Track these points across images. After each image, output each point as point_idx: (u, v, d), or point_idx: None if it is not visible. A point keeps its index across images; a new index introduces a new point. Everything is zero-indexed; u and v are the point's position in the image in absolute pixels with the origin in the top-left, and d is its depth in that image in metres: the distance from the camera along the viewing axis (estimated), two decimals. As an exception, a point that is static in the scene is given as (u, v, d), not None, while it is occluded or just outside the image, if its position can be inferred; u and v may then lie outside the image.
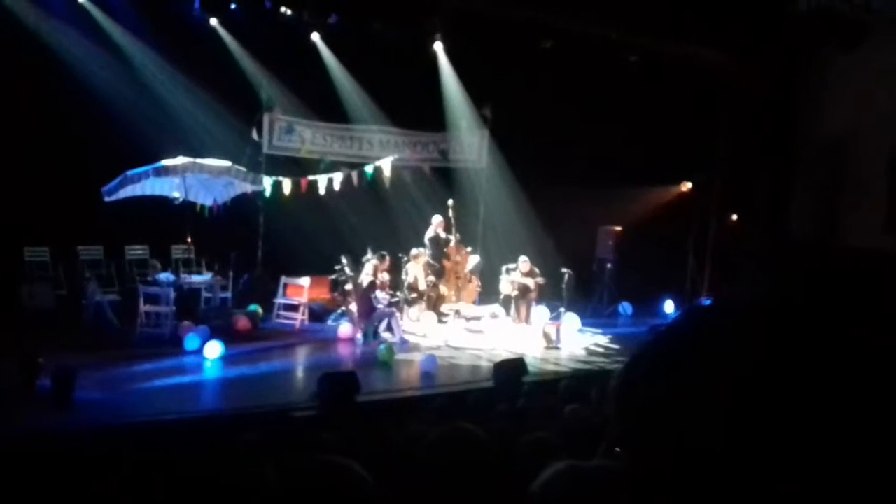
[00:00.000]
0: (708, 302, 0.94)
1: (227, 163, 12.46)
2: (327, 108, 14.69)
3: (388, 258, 12.85)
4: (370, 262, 12.37)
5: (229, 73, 13.42)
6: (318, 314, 13.19)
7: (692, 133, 15.55)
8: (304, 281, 12.86)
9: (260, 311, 12.72)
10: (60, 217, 11.73)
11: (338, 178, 13.68)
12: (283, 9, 13.43)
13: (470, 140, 16.25)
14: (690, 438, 0.79)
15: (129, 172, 11.61)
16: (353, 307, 12.36)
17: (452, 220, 14.21)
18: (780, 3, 13.64)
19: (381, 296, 12.29)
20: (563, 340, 12.37)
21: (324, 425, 7.03)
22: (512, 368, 9.55)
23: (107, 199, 11.77)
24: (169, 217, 12.53)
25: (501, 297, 13.95)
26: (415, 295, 13.64)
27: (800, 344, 0.80)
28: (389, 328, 12.18)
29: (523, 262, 13.60)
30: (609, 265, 15.49)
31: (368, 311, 12.01)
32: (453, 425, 2.74)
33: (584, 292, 15.24)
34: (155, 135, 12.10)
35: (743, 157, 15.95)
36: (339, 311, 13.06)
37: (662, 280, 15.75)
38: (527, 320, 13.51)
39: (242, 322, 12.12)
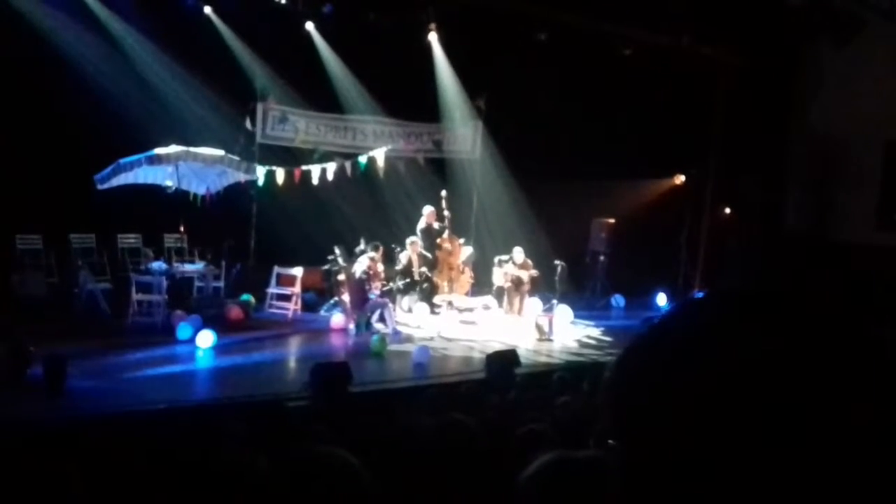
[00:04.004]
0: (701, 295, 0.95)
1: (221, 152, 12.42)
2: (321, 97, 14.64)
3: (382, 249, 12.85)
4: (366, 255, 12.36)
5: (223, 62, 13.35)
6: (311, 304, 13.19)
7: (685, 126, 15.56)
8: (297, 271, 12.85)
9: (252, 300, 12.70)
10: (53, 205, 11.68)
11: (331, 168, 13.66)
12: (277, -2, 13.39)
13: (464, 131, 16.23)
14: (682, 431, 0.79)
15: (122, 161, 11.56)
16: (346, 297, 12.35)
17: (445, 211, 14.21)
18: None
19: (374, 286, 12.28)
20: (555, 332, 12.39)
21: (316, 416, 7.03)
22: (504, 360, 9.57)
23: (99, 187, 11.72)
24: (162, 206, 12.48)
25: (494, 288, 13.96)
26: (407, 280, 13.63)
27: (793, 337, 0.80)
28: (382, 319, 12.18)
29: (518, 254, 13.60)
30: (602, 257, 15.52)
31: (361, 302, 12.00)
32: (446, 416, 2.75)
33: (576, 284, 15.26)
34: (148, 123, 12.05)
35: (736, 150, 15.97)
36: (332, 301, 13.06)
37: (655, 273, 15.77)
38: (520, 312, 13.52)
39: (235, 311, 12.10)
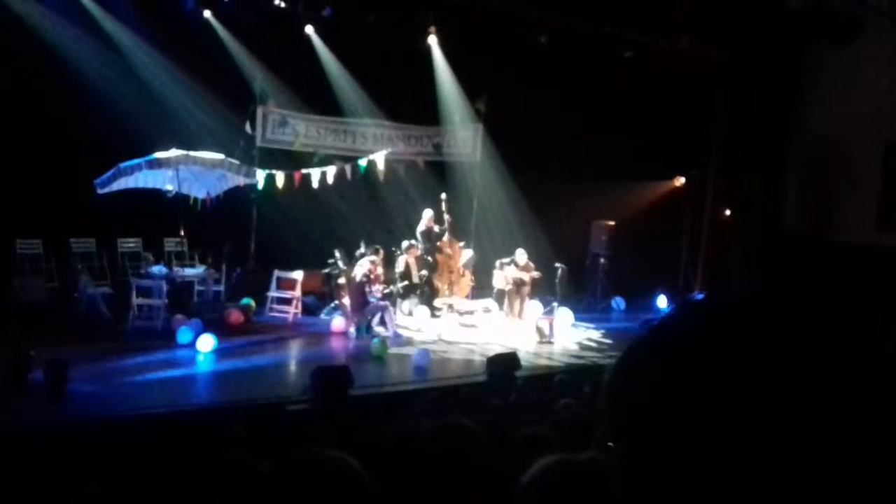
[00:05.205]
0: (701, 297, 0.95)
1: (221, 155, 12.41)
2: (321, 101, 14.65)
3: (381, 252, 12.85)
4: (367, 258, 12.36)
5: (223, 66, 13.37)
6: (311, 308, 13.19)
7: (685, 128, 15.56)
8: (298, 274, 12.85)
9: (253, 304, 12.70)
10: (53, 209, 11.69)
11: (331, 171, 13.66)
12: (276, 1, 13.39)
13: (464, 134, 16.23)
14: (682, 433, 0.79)
15: (122, 165, 11.56)
16: (347, 301, 12.35)
17: (445, 214, 14.21)
18: (774, -1, 13.67)
19: (375, 289, 12.28)
20: (556, 335, 12.38)
21: (317, 419, 7.04)
22: (505, 363, 9.56)
23: (100, 191, 11.72)
24: (162, 210, 12.48)
25: (495, 291, 13.96)
26: (406, 282, 13.63)
27: (792, 339, 0.80)
28: (383, 322, 12.18)
29: (521, 255, 13.60)
30: (602, 260, 15.51)
31: (362, 305, 12.00)
32: (446, 419, 2.74)
33: (577, 287, 15.25)
34: (148, 127, 12.05)
35: (736, 152, 15.97)
36: (333, 304, 13.05)
37: (655, 275, 15.76)
38: (520, 315, 13.52)
39: (235, 315, 12.10)
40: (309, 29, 14.48)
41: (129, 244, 13.20)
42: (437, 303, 13.82)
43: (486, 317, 13.33)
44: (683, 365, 0.82)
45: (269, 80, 14.12)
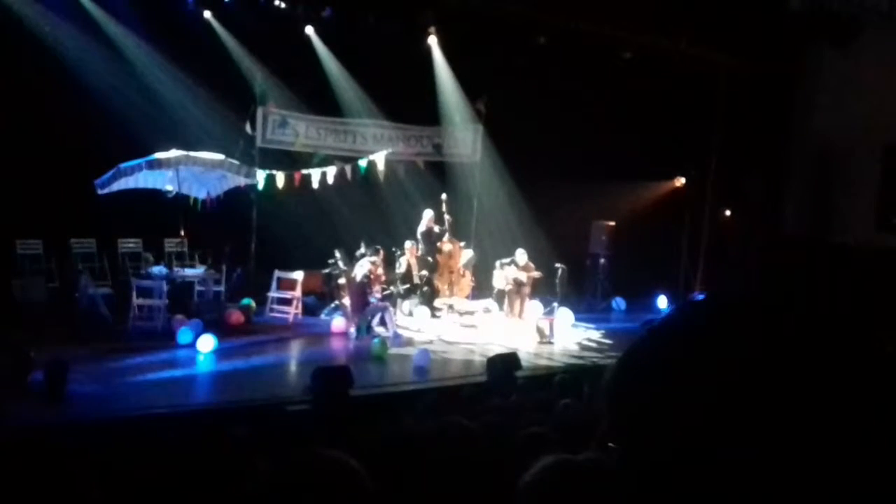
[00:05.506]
0: (701, 297, 0.95)
1: (221, 156, 12.41)
2: (321, 101, 14.65)
3: (382, 252, 12.85)
4: (367, 258, 12.36)
5: (223, 67, 13.37)
6: (312, 308, 13.19)
7: (686, 129, 15.57)
8: (298, 275, 12.85)
9: (253, 304, 12.70)
10: (53, 210, 11.69)
11: (331, 171, 13.66)
12: (276, 2, 13.40)
13: (464, 134, 16.22)
14: (682, 433, 0.79)
15: (123, 165, 11.56)
16: (347, 301, 12.35)
17: (445, 215, 14.22)
18: (773, 1, 13.67)
19: (375, 289, 12.29)
20: (556, 335, 12.38)
21: (317, 419, 7.04)
22: (505, 363, 9.56)
23: (100, 192, 11.71)
24: (162, 210, 12.48)
25: (495, 291, 13.96)
26: (407, 283, 13.64)
27: (792, 340, 0.80)
28: (383, 322, 12.17)
29: (521, 255, 13.60)
30: (602, 260, 15.51)
31: (362, 306, 12.00)
32: (447, 419, 2.75)
33: (577, 287, 15.26)
34: (148, 128, 12.05)
35: (736, 152, 15.97)
36: (333, 304, 13.05)
37: (656, 275, 15.77)
38: (520, 315, 13.52)
39: (235, 316, 12.10)
40: (309, 29, 14.49)
41: (130, 244, 13.20)
42: (437, 303, 13.83)
43: (487, 317, 13.32)
44: (684, 365, 0.82)
45: (270, 81, 14.11)
